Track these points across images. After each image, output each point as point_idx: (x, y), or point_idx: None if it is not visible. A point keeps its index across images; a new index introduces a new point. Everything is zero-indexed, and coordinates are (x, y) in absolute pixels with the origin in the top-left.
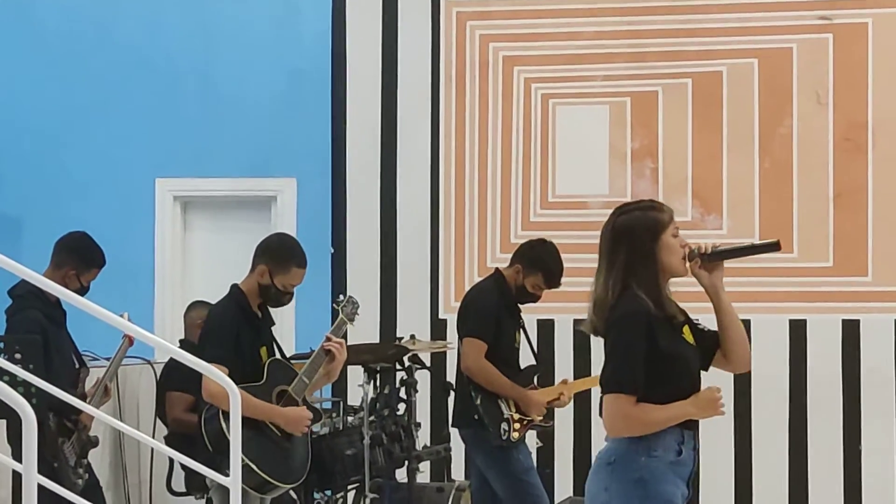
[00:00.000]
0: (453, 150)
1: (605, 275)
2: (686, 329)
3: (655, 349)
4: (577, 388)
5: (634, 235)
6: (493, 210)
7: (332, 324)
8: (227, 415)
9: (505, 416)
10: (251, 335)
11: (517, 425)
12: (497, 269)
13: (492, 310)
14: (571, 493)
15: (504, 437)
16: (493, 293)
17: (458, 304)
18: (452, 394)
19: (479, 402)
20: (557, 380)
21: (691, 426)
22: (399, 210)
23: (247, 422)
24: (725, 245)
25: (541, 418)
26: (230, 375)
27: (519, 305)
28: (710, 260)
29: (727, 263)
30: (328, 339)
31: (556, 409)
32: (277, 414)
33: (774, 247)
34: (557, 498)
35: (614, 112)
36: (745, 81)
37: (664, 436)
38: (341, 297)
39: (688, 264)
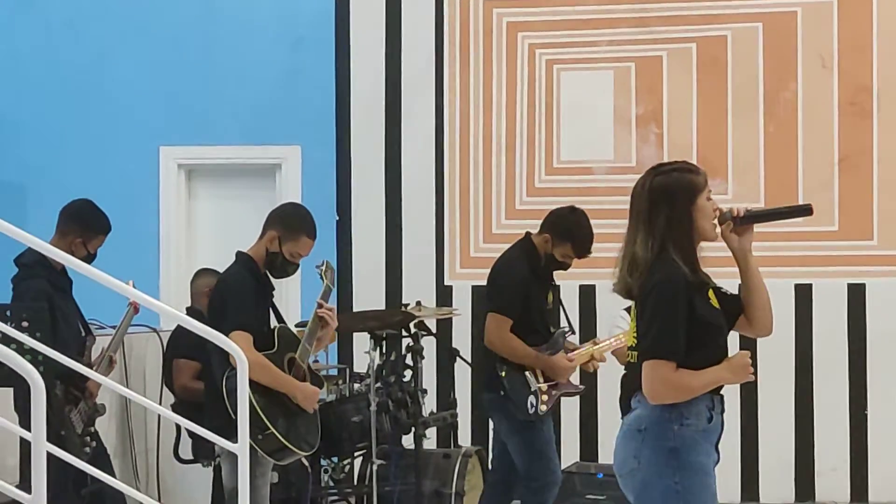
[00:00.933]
0: (457, 116)
1: (643, 235)
2: (711, 293)
3: (693, 315)
4: (606, 349)
5: (674, 197)
6: (497, 176)
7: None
8: (252, 382)
9: (532, 390)
10: (262, 302)
11: (545, 397)
12: (527, 233)
13: (518, 283)
14: (578, 459)
15: (532, 412)
16: (520, 263)
17: (463, 271)
18: (460, 360)
19: (504, 374)
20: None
21: (719, 390)
22: (403, 177)
23: (266, 389)
24: (757, 209)
25: (567, 381)
26: (254, 342)
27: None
28: (743, 223)
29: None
30: (320, 306)
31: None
32: (296, 387)
33: (807, 211)
34: (564, 463)
35: (619, 77)
36: (749, 46)
37: (696, 403)
38: (320, 262)
39: (719, 228)
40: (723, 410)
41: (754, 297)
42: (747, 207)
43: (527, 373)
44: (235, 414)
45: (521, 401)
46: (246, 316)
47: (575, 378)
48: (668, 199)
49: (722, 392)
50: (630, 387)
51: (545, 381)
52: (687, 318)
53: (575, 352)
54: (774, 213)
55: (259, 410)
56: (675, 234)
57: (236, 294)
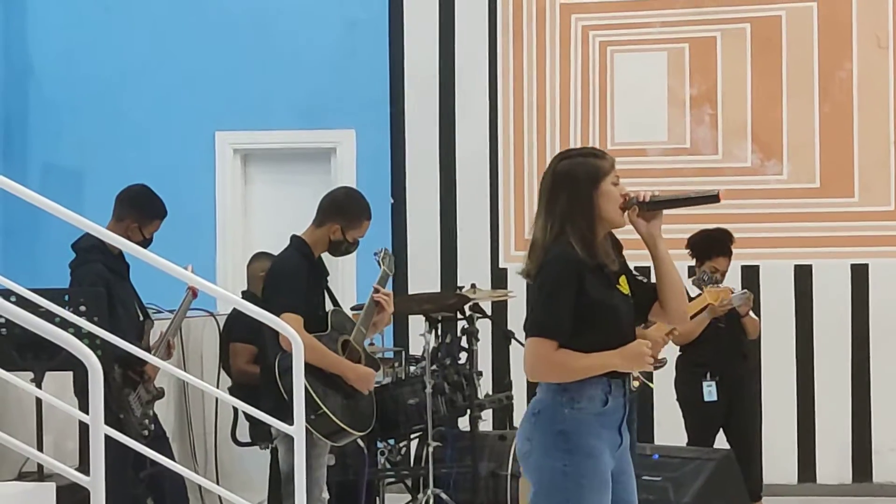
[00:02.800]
0: (511, 98)
1: (543, 219)
2: (623, 279)
3: (583, 297)
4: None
5: (575, 181)
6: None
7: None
8: (306, 364)
9: None
10: (316, 285)
11: (635, 372)
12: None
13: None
14: None
15: None
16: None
17: (518, 254)
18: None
19: None
20: None
21: (620, 374)
22: (458, 159)
23: (319, 371)
24: (664, 195)
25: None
26: (304, 324)
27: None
28: (648, 209)
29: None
30: (376, 291)
31: None
32: (349, 368)
33: (713, 198)
34: None
35: (672, 58)
36: (804, 25)
37: (588, 387)
38: (378, 249)
39: (625, 213)
40: (625, 394)
41: (665, 283)
42: (653, 192)
43: None
44: (287, 395)
45: None
46: (297, 298)
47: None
48: (569, 183)
49: (623, 377)
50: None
51: None
52: (576, 299)
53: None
54: (681, 200)
55: (311, 391)
56: (574, 217)
57: (287, 277)
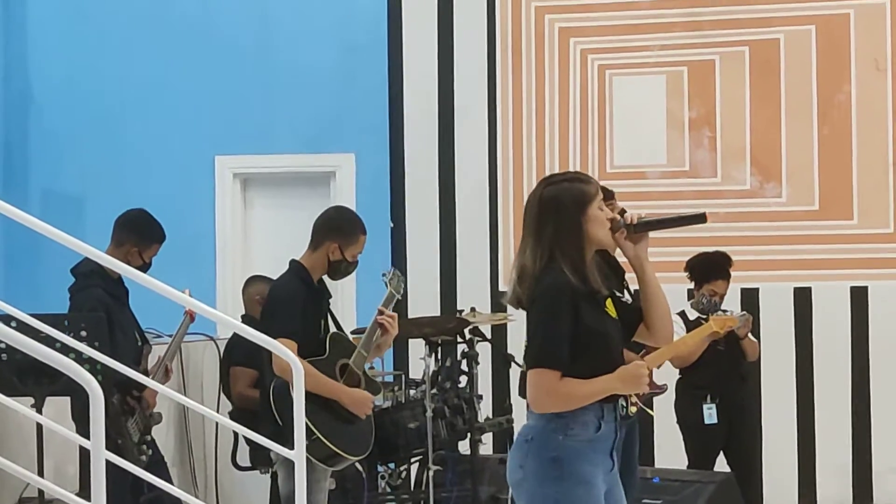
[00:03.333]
0: (510, 122)
1: (531, 246)
2: (609, 303)
3: (579, 324)
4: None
5: (561, 207)
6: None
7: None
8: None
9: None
10: (315, 309)
11: (633, 398)
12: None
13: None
14: None
15: (622, 413)
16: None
17: None
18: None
19: None
20: None
21: (611, 398)
22: (457, 183)
23: (314, 395)
24: (651, 217)
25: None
26: (298, 349)
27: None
28: (636, 231)
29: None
30: (380, 313)
31: None
32: (344, 393)
33: (700, 219)
34: None
35: (671, 81)
36: (802, 48)
37: (581, 413)
38: (387, 270)
39: (613, 235)
40: (616, 418)
41: (652, 305)
42: (640, 215)
43: None
44: (281, 421)
45: None
46: (292, 323)
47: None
48: (556, 208)
49: (614, 401)
50: None
51: None
52: (572, 327)
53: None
54: (668, 221)
55: (305, 417)
56: (563, 243)
57: (283, 302)
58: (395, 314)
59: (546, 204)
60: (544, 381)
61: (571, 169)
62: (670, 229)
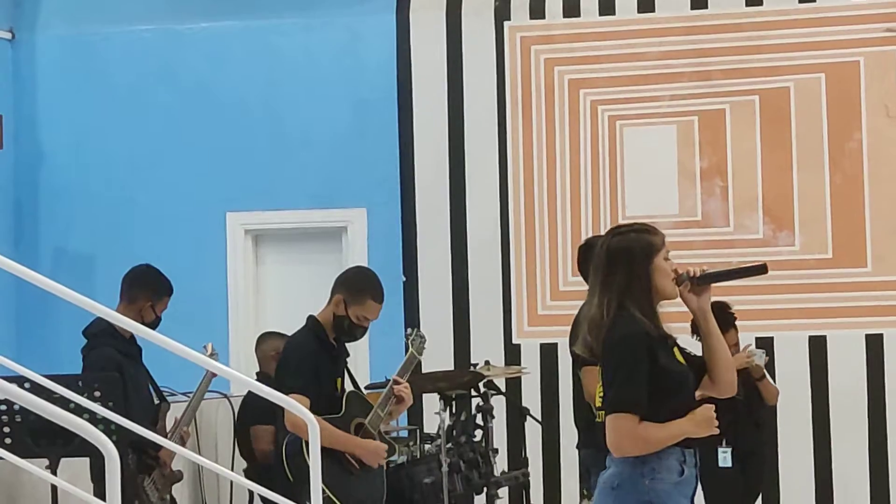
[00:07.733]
0: (521, 174)
1: (598, 295)
2: (676, 351)
3: (656, 368)
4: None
5: (631, 256)
6: (563, 233)
7: (405, 354)
8: (307, 444)
9: None
10: (329, 366)
11: None
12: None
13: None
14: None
15: None
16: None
17: (531, 329)
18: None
19: None
20: None
21: (691, 444)
22: (469, 236)
23: (326, 451)
24: (714, 270)
25: None
26: (311, 405)
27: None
28: (700, 283)
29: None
30: (396, 383)
31: None
32: (357, 445)
33: (762, 269)
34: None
35: (682, 131)
36: (812, 96)
37: (666, 457)
38: (410, 330)
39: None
40: (696, 464)
41: (715, 356)
42: (703, 268)
43: None
44: (292, 478)
45: None
46: (303, 379)
47: None
48: (625, 258)
49: (694, 446)
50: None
51: None
52: (650, 371)
53: None
54: (731, 273)
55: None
56: (633, 292)
57: (295, 357)
58: (408, 384)
59: (615, 254)
60: (624, 425)
61: (583, 219)
62: (733, 281)
